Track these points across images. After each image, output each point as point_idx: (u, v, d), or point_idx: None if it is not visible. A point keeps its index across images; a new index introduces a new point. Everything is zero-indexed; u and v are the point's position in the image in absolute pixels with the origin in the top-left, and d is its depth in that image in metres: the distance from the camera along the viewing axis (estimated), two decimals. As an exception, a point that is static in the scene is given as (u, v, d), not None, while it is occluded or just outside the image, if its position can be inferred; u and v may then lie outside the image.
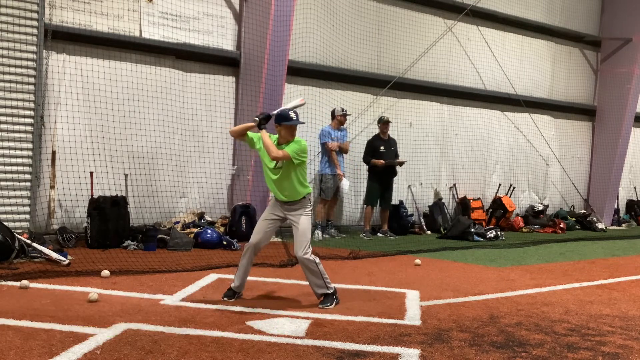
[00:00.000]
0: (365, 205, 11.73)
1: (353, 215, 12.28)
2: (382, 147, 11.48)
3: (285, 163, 5.71)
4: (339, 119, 11.09)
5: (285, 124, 5.73)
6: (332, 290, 5.80)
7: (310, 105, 11.40)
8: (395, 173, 11.67)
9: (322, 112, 11.47)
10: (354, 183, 11.79)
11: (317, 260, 5.78)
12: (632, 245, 12.09)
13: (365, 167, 11.67)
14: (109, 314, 5.14)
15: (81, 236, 8.85)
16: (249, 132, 5.86)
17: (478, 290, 6.79)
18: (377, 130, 11.79)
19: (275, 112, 5.87)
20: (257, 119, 5.74)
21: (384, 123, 11.54)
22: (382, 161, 11.30)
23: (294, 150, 5.68)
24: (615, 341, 4.91)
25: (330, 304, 5.71)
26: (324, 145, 10.99)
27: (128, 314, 5.17)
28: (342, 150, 11.15)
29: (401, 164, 11.69)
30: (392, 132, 12.54)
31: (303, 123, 5.99)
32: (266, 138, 5.68)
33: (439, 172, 13.69)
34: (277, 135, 5.82)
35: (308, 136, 11.25)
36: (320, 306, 5.67)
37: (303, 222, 5.76)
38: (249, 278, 6.08)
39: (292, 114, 5.77)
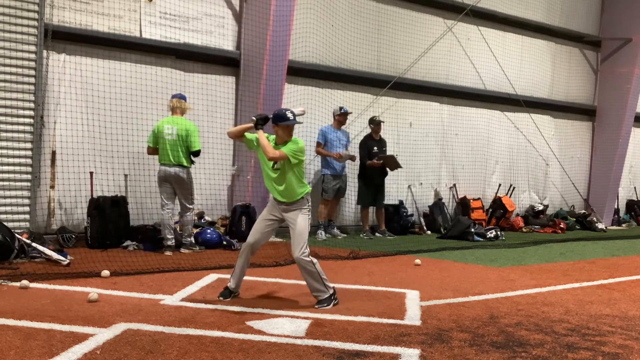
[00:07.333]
0: (360, 206, 11.76)
1: (353, 215, 12.28)
2: (375, 148, 11.46)
3: (282, 163, 5.70)
4: (337, 118, 11.10)
5: (283, 124, 5.72)
6: (331, 292, 5.79)
7: (311, 105, 11.41)
8: (386, 173, 11.61)
9: (322, 112, 11.47)
10: (353, 183, 11.78)
11: (315, 260, 5.76)
12: (632, 245, 12.09)
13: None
14: (109, 314, 5.14)
15: (81, 236, 8.85)
16: (247, 133, 5.87)
17: (478, 290, 6.79)
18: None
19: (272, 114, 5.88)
20: (254, 119, 5.76)
21: (377, 124, 11.52)
22: (378, 162, 11.22)
23: (291, 149, 5.68)
24: (615, 341, 4.91)
25: (327, 304, 5.69)
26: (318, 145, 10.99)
27: (128, 314, 5.17)
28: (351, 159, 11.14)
29: (393, 158, 11.63)
30: (392, 132, 12.56)
31: (300, 123, 5.99)
32: (263, 138, 5.69)
33: (439, 172, 13.69)
34: (274, 136, 5.82)
35: (308, 137, 11.26)
36: (317, 306, 5.66)
37: (300, 222, 5.74)
38: (249, 278, 6.08)
39: (289, 114, 5.76)
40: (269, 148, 5.64)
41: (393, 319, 5.34)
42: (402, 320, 5.33)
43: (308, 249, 5.72)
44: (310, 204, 5.92)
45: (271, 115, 5.82)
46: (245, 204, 10.10)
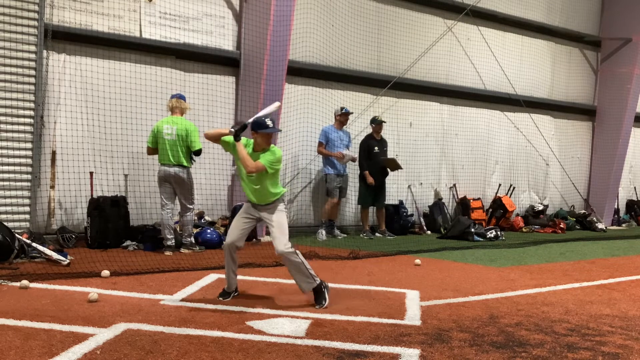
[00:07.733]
0: (360, 206, 11.78)
1: (353, 215, 12.28)
2: (376, 148, 11.46)
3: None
4: (338, 118, 11.10)
5: (262, 131, 5.71)
6: (318, 282, 5.78)
7: (311, 105, 11.42)
8: (386, 173, 11.63)
9: (322, 113, 11.48)
10: (354, 183, 11.79)
11: (298, 251, 5.78)
12: (632, 245, 12.09)
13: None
14: (109, 314, 5.13)
15: (81, 236, 8.86)
16: (224, 137, 5.84)
17: (478, 290, 6.79)
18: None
19: (250, 120, 5.82)
20: (232, 130, 5.69)
21: (378, 124, 11.52)
22: (372, 180, 11.20)
23: (268, 160, 5.69)
24: (615, 341, 4.91)
25: (325, 301, 5.69)
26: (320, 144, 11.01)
27: (128, 314, 5.17)
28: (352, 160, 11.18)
29: (394, 161, 11.63)
30: (392, 132, 12.55)
31: (280, 130, 6.03)
32: (242, 151, 5.67)
33: (439, 172, 13.69)
34: (252, 141, 5.81)
35: (307, 137, 11.28)
36: (317, 306, 5.65)
37: (278, 218, 5.77)
38: (250, 278, 6.06)
39: (269, 122, 5.73)
40: (247, 162, 5.65)
41: (393, 319, 5.33)
42: (402, 320, 5.32)
43: (290, 242, 5.75)
44: (286, 202, 5.94)
45: (249, 122, 5.80)
46: (245, 204, 10.08)
